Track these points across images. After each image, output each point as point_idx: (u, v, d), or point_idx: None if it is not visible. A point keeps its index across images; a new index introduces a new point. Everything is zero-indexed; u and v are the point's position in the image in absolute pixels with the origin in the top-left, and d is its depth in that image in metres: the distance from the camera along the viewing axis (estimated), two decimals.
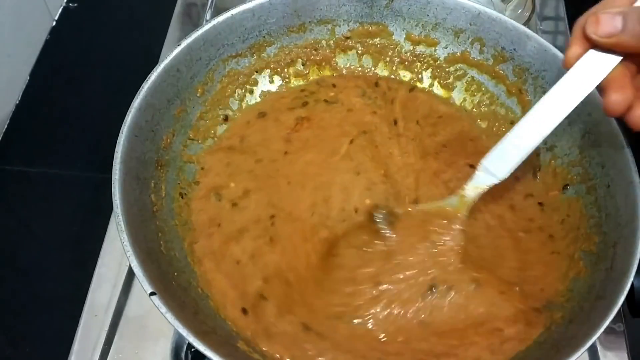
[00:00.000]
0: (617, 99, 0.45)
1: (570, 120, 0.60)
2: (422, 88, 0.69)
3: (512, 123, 0.65)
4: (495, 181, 0.53)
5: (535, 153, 0.63)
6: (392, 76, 0.69)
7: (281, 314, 0.52)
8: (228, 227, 0.58)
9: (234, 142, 0.64)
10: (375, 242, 0.54)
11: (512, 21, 0.62)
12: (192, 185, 0.60)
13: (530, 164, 0.62)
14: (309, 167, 0.62)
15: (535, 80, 0.63)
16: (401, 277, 0.53)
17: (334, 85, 0.68)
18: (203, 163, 0.62)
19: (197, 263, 0.55)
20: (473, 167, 0.59)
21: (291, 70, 0.68)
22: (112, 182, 0.50)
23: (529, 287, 0.55)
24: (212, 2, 0.84)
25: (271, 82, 0.68)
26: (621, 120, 0.48)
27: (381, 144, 0.64)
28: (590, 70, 0.46)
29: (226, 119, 0.65)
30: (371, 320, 0.52)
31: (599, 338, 0.46)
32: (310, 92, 0.68)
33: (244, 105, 0.66)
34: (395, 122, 0.65)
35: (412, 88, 0.69)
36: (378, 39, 0.69)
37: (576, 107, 0.59)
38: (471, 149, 0.64)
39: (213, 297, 0.54)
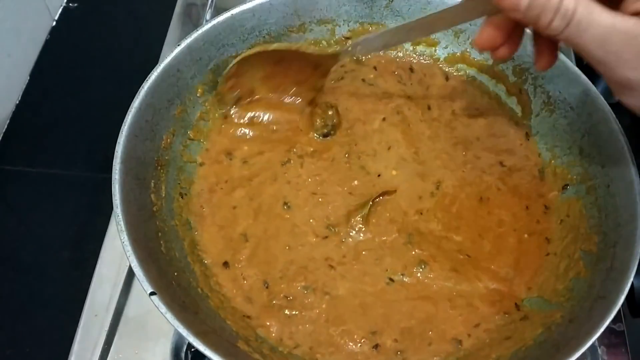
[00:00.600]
0: (490, 36, 0.47)
1: (570, 120, 0.60)
2: (459, 77, 0.69)
3: (517, 123, 0.65)
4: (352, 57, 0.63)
5: (537, 153, 0.63)
6: (427, 62, 0.69)
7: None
8: (236, 180, 0.61)
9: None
10: None
11: None
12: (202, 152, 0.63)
13: (535, 164, 0.63)
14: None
15: (535, 80, 0.63)
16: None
17: (375, 68, 0.69)
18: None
19: (195, 215, 0.59)
20: (503, 164, 0.62)
21: None
22: (112, 182, 0.50)
23: (515, 284, 0.56)
24: (212, 2, 0.84)
25: None
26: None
27: (414, 124, 0.65)
28: (481, 3, 0.46)
29: (226, 117, 0.65)
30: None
31: (599, 338, 0.46)
32: (350, 69, 0.68)
33: None
34: (429, 107, 0.66)
35: (447, 77, 0.69)
36: None
37: (575, 108, 0.60)
38: (503, 145, 0.64)
39: (202, 246, 0.57)
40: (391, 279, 0.56)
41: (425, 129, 0.65)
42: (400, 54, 0.69)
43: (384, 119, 0.65)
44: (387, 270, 0.56)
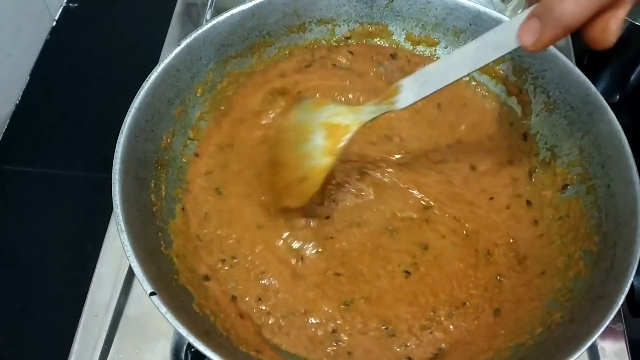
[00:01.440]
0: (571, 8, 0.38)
1: (570, 120, 0.60)
2: None
3: (512, 124, 0.65)
4: (393, 109, 0.51)
5: (534, 153, 0.63)
6: (414, 50, 0.68)
7: None
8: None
9: None
10: None
11: None
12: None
13: (528, 164, 0.63)
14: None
15: (535, 80, 0.63)
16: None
17: (351, 53, 0.67)
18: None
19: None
20: (474, 169, 0.62)
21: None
22: (112, 182, 0.50)
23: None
24: (212, 2, 0.84)
25: None
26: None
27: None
28: None
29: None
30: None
31: (599, 338, 0.46)
32: (320, 57, 0.67)
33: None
34: None
35: None
36: (378, 39, 0.69)
37: (575, 108, 0.60)
38: (488, 146, 0.64)
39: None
40: (407, 272, 0.56)
41: (405, 113, 0.63)
42: (384, 43, 0.68)
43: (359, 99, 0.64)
44: (399, 265, 0.56)
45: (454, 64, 0.48)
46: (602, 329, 0.45)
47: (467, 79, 0.68)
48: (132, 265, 0.47)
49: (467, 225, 0.59)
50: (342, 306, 0.54)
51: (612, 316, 0.46)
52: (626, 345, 0.59)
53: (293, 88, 0.65)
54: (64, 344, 0.59)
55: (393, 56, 0.68)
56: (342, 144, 0.52)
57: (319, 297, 0.54)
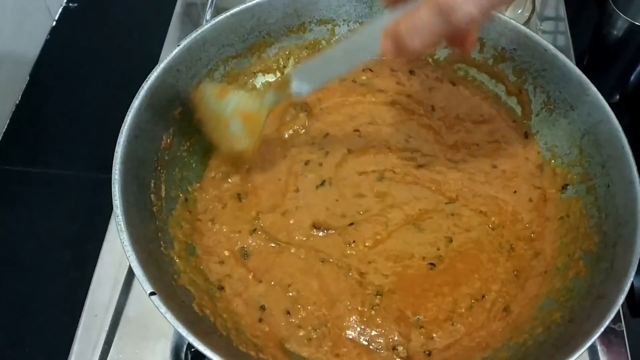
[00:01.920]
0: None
1: (570, 120, 0.60)
2: (467, 82, 0.68)
3: (515, 121, 0.65)
4: (294, 97, 0.54)
5: (537, 151, 0.63)
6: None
7: None
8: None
9: None
10: None
11: (512, 21, 0.62)
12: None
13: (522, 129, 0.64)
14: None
15: (535, 80, 0.63)
16: None
17: (370, 70, 0.68)
18: None
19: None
20: (496, 167, 0.62)
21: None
22: (112, 182, 0.50)
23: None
24: (212, 2, 0.84)
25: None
26: None
27: (417, 116, 0.64)
28: None
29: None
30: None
31: (599, 338, 0.46)
32: None
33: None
34: (433, 108, 0.66)
35: (454, 82, 0.68)
36: None
37: (575, 108, 0.60)
38: (504, 152, 0.64)
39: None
40: (432, 264, 0.56)
41: (431, 121, 0.65)
42: None
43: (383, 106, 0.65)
44: (423, 258, 0.56)
45: (336, 58, 0.51)
46: (602, 329, 0.45)
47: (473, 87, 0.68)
48: (132, 265, 0.47)
49: (493, 219, 0.59)
50: (367, 309, 0.54)
51: (612, 316, 0.46)
52: (626, 345, 0.59)
53: (315, 105, 0.65)
54: (64, 344, 0.59)
55: (411, 72, 0.68)
56: (260, 126, 0.56)
57: (350, 302, 0.54)
